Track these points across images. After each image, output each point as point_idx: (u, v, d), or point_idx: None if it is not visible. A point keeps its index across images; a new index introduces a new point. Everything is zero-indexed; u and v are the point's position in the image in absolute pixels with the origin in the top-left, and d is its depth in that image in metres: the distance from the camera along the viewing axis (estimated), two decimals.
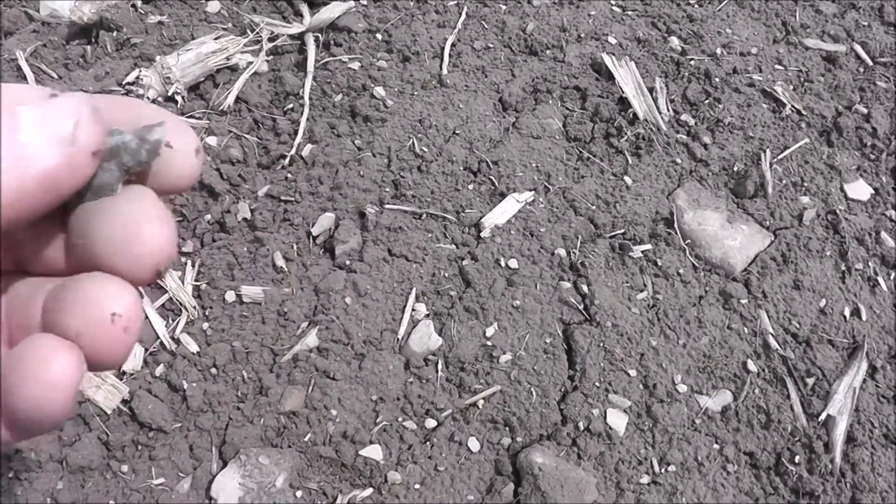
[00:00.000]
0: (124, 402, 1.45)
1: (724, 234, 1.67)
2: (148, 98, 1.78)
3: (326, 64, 1.89)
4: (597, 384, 1.48)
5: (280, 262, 1.58)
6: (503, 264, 1.59)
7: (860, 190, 1.79)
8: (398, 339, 1.52)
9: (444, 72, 1.88)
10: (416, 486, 1.39)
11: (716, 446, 1.47)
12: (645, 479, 1.43)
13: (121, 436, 1.42)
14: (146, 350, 1.51)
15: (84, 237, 0.41)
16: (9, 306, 0.43)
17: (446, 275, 1.59)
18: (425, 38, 1.94)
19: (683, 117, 1.84)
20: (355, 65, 1.89)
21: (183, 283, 1.58)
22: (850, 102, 1.93)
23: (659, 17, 2.07)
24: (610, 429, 1.45)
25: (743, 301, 1.60)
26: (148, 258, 0.41)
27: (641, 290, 1.60)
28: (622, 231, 1.67)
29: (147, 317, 1.54)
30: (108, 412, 1.44)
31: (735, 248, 1.65)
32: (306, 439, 1.41)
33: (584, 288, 1.58)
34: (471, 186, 1.70)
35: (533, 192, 1.69)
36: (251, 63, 1.88)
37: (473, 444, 1.43)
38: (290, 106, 1.82)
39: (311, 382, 1.46)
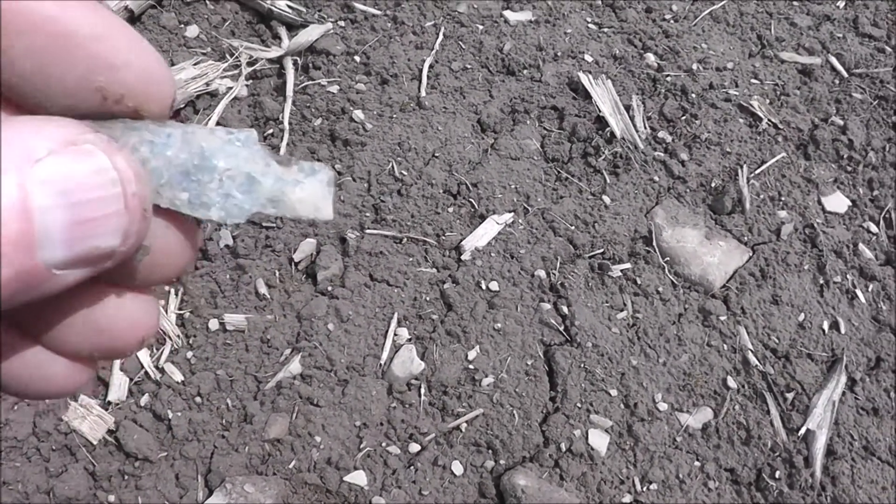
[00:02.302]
0: (110, 432, 1.46)
1: (703, 250, 1.69)
2: None
3: (305, 88, 1.90)
4: (578, 405, 1.50)
5: (262, 289, 1.60)
6: (484, 287, 1.60)
7: (837, 202, 1.81)
8: (381, 365, 1.53)
9: (423, 94, 1.90)
10: None
11: (697, 463, 1.48)
12: (627, 499, 1.44)
13: (107, 466, 1.43)
14: (131, 380, 1.52)
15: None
16: None
17: (428, 298, 1.61)
18: (403, 60, 1.95)
19: (661, 134, 1.86)
20: (334, 88, 1.90)
21: (166, 311, 1.59)
22: (827, 115, 1.94)
23: (635, 34, 2.08)
24: (592, 449, 1.46)
25: (722, 318, 1.62)
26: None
27: (621, 310, 1.61)
28: (601, 251, 1.68)
29: None
30: (94, 442, 1.45)
31: (714, 265, 1.67)
32: (291, 466, 1.43)
33: (565, 309, 1.59)
34: (451, 209, 1.71)
35: (512, 214, 1.70)
36: (231, 88, 1.89)
37: (457, 468, 1.44)
38: (271, 131, 1.84)
39: (295, 409, 1.47)
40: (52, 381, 0.38)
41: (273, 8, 2.02)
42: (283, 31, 2.02)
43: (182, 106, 1.87)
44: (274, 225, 1.68)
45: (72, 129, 0.30)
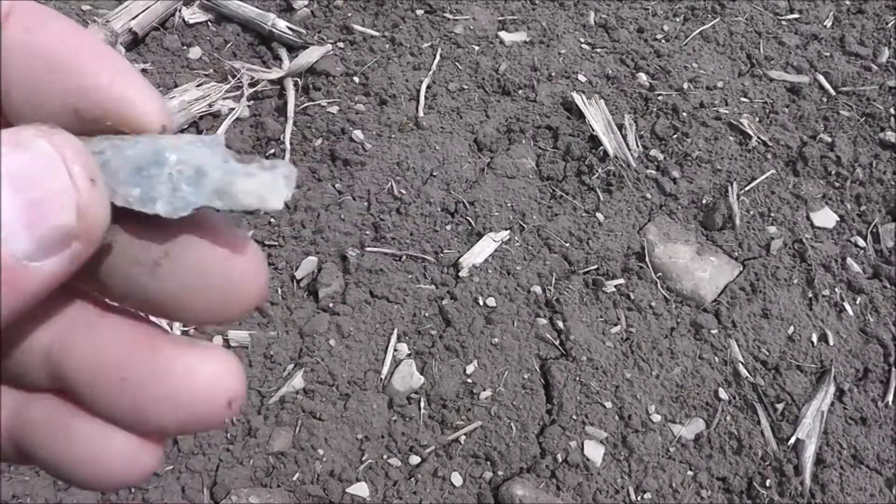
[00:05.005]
0: None
1: (695, 266, 1.73)
2: None
3: (306, 108, 1.95)
4: (574, 417, 1.54)
5: (265, 306, 1.63)
6: (481, 303, 1.64)
7: (826, 218, 1.85)
8: (381, 379, 1.57)
9: (421, 114, 1.94)
10: None
11: (690, 473, 1.52)
12: None
13: None
14: None
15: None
16: None
17: (427, 314, 1.65)
18: (401, 81, 1.99)
19: (653, 152, 1.90)
20: (334, 108, 1.94)
21: (171, 328, 1.63)
22: (815, 132, 1.99)
23: (627, 54, 2.13)
24: (587, 460, 1.50)
25: (713, 331, 1.66)
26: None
27: (615, 324, 1.66)
28: (595, 267, 1.72)
29: None
30: None
31: (705, 280, 1.71)
32: (295, 479, 1.46)
33: (560, 324, 1.63)
34: (448, 227, 1.76)
35: (509, 231, 1.75)
36: (233, 109, 1.93)
37: (456, 479, 1.48)
38: (272, 151, 1.88)
39: (298, 423, 1.51)
40: (112, 466, 0.35)
41: (274, 30, 2.07)
42: (283, 53, 2.07)
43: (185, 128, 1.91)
44: (276, 244, 1.72)
45: (14, 129, 0.31)
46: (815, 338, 1.68)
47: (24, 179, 0.30)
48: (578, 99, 1.95)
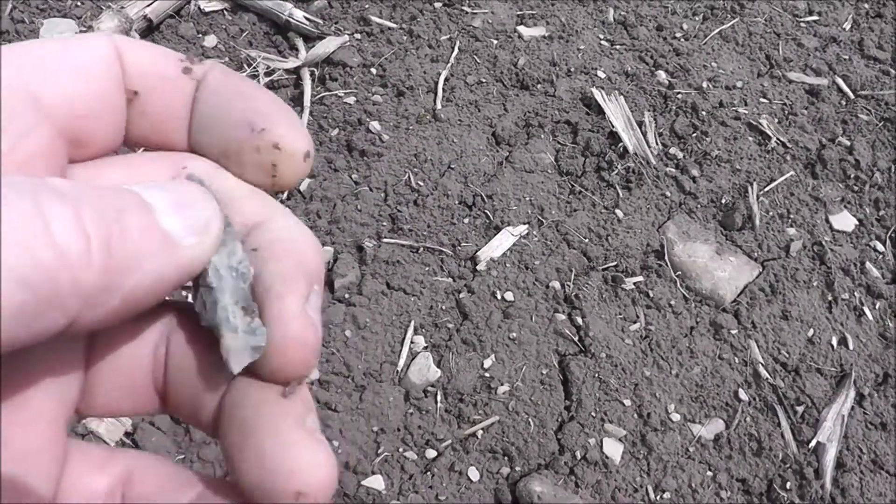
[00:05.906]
0: (127, 434, 1.47)
1: (714, 265, 1.71)
2: None
3: (322, 98, 1.93)
4: (592, 414, 1.52)
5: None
6: (499, 297, 1.62)
7: (845, 221, 1.84)
8: (398, 371, 1.54)
9: (438, 106, 1.92)
10: None
11: (709, 473, 1.50)
12: None
13: None
14: None
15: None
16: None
17: (444, 307, 1.62)
18: (419, 73, 1.98)
19: (672, 150, 1.89)
20: (351, 99, 1.92)
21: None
22: (834, 135, 1.98)
23: (646, 51, 2.12)
24: (606, 457, 1.48)
25: (733, 331, 1.64)
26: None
27: (634, 322, 1.64)
28: (614, 263, 1.71)
29: None
30: (112, 445, 1.45)
31: (724, 280, 1.70)
32: None
33: (579, 320, 1.62)
34: (466, 220, 1.74)
35: (527, 226, 1.73)
36: None
37: (473, 474, 1.46)
38: None
39: None
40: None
41: (290, 20, 2.05)
42: (300, 43, 2.05)
43: None
44: None
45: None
46: (834, 341, 1.66)
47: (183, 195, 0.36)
48: (598, 95, 1.94)
